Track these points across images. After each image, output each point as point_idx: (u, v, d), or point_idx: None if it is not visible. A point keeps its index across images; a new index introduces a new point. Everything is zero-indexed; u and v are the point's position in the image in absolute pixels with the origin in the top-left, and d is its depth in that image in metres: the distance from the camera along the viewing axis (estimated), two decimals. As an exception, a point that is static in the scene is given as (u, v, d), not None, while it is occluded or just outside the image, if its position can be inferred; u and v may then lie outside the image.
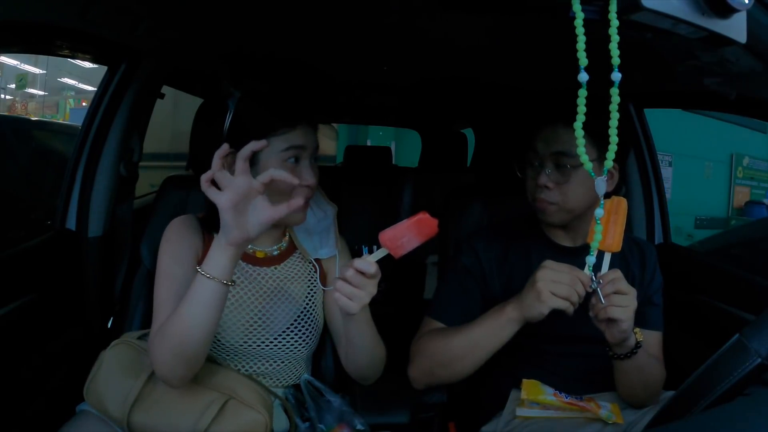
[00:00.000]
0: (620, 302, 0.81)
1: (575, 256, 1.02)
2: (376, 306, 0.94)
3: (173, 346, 0.80)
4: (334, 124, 5.85)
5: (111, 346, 0.95)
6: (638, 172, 1.48)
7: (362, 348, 0.94)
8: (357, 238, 2.59)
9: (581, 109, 0.64)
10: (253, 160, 0.90)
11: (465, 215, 1.28)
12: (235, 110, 0.90)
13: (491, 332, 0.91)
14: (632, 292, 0.83)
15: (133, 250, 1.25)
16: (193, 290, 0.79)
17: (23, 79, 10.91)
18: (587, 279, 0.82)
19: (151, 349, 0.84)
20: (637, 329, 0.89)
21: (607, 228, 0.82)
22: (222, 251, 0.78)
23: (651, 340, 1.01)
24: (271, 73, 1.61)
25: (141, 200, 1.85)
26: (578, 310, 0.87)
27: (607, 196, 0.82)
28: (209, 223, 0.97)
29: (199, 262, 0.92)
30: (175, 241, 0.93)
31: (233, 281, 0.80)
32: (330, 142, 6.38)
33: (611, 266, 0.84)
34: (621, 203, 0.84)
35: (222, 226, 0.77)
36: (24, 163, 2.96)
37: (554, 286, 0.82)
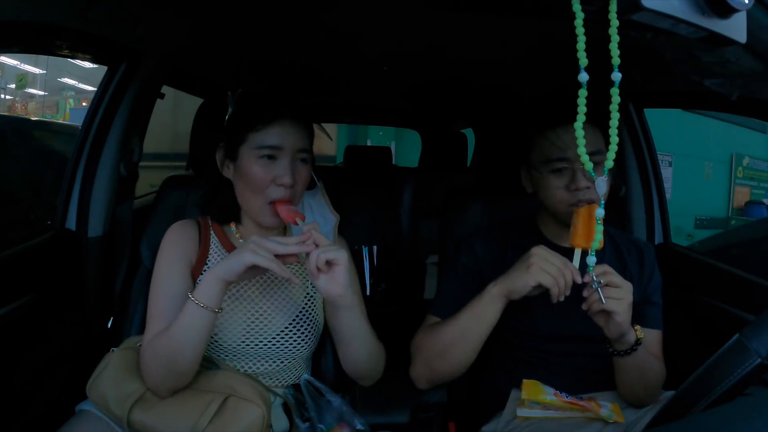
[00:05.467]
0: (613, 294, 0.82)
1: (572, 256, 1.02)
2: (376, 306, 0.94)
3: (164, 362, 0.84)
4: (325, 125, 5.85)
5: (119, 349, 0.95)
6: (638, 172, 1.48)
7: (357, 342, 0.95)
8: (357, 238, 2.59)
9: (581, 109, 0.64)
10: (234, 155, 0.95)
11: (465, 215, 1.28)
12: (231, 110, 0.96)
13: (476, 314, 0.93)
14: (626, 286, 0.84)
15: (133, 250, 1.25)
16: (184, 315, 0.82)
17: (23, 79, 10.90)
18: (576, 272, 0.85)
19: (142, 360, 0.87)
20: (637, 327, 0.90)
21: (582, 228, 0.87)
22: (216, 283, 0.81)
23: (651, 339, 1.01)
24: (266, 74, 1.62)
25: (141, 200, 1.85)
26: (578, 310, 0.87)
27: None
28: (206, 209, 1.02)
29: (194, 268, 0.95)
30: (169, 253, 0.96)
31: (221, 308, 0.84)
32: (328, 142, 6.37)
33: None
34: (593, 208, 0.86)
35: (226, 266, 0.81)
36: (24, 163, 2.95)
37: (546, 264, 0.85)
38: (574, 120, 0.97)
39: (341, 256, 0.83)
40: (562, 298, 0.86)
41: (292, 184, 0.92)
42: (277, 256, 0.81)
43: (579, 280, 0.85)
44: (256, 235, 0.85)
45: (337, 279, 0.83)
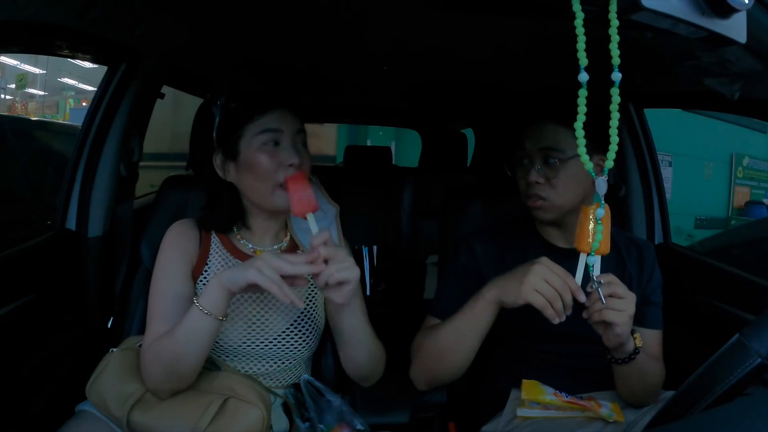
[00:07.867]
0: (615, 306, 0.80)
1: (570, 257, 1.02)
2: (376, 306, 0.94)
3: (165, 365, 0.83)
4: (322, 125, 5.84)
5: (119, 349, 0.95)
6: (638, 172, 1.48)
7: (358, 342, 0.94)
8: (357, 238, 2.59)
9: (581, 109, 0.64)
10: (234, 152, 0.93)
11: (465, 215, 1.28)
12: (220, 112, 0.94)
13: (471, 317, 0.91)
14: (630, 297, 0.81)
15: (133, 250, 1.25)
16: (188, 320, 0.82)
17: (23, 79, 10.89)
18: (577, 289, 0.80)
19: (143, 361, 0.87)
20: (636, 335, 0.88)
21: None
22: (220, 291, 0.81)
23: (650, 338, 1.00)
24: (266, 74, 1.62)
25: (141, 200, 1.85)
26: (578, 310, 0.87)
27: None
28: (208, 223, 0.99)
29: (194, 268, 0.94)
30: (169, 254, 0.95)
31: (226, 316, 0.83)
32: (328, 141, 6.39)
33: (606, 268, 0.84)
34: (607, 210, 0.84)
35: (231, 277, 0.80)
36: (24, 163, 2.95)
37: (541, 284, 0.80)
38: (539, 120, 1.00)
39: (353, 276, 0.81)
40: (556, 321, 0.80)
41: (299, 163, 0.92)
42: (285, 277, 0.79)
43: (582, 299, 0.81)
44: (264, 245, 0.85)
45: (344, 293, 0.82)
